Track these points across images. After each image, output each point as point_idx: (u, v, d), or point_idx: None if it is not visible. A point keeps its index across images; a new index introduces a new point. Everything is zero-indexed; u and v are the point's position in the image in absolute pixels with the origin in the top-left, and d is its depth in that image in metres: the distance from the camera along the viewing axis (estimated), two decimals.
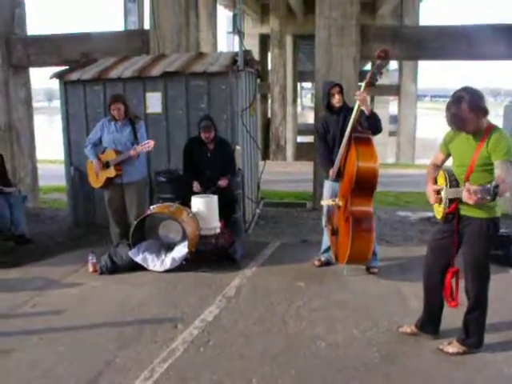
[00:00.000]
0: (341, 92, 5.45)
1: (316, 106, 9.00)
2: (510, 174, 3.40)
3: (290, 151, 28.28)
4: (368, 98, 5.08)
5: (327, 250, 5.82)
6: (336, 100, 5.43)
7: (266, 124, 28.23)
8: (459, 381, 3.51)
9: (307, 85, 67.82)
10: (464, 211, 3.68)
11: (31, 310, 4.77)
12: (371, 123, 5.16)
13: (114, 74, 7.29)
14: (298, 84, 41.28)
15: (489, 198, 3.12)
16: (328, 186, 5.69)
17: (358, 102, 4.96)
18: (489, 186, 3.12)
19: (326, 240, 5.81)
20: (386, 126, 32.18)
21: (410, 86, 28.70)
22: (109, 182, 6.12)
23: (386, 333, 4.21)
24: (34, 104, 10.40)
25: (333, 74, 8.57)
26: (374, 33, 9.07)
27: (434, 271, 3.95)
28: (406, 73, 28.54)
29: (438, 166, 3.93)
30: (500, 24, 9.05)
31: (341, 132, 5.33)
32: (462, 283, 3.80)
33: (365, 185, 4.99)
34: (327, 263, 5.86)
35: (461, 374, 3.59)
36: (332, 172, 5.38)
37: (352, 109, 5.12)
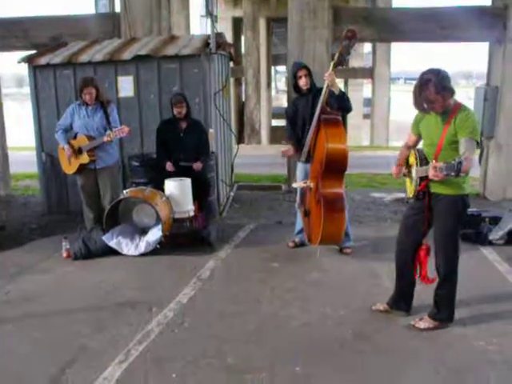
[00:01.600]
0: (308, 74, 5.44)
1: (289, 90, 9.00)
2: (473, 153, 3.49)
3: (264, 135, 28.23)
4: (335, 79, 5.10)
5: (301, 231, 5.87)
6: (303, 82, 5.44)
7: (241, 108, 28.14)
8: (431, 355, 3.59)
9: (281, 68, 67.51)
10: (434, 188, 3.76)
11: (5, 297, 4.72)
12: (340, 103, 5.20)
13: (84, 57, 7.17)
14: (272, 68, 41.12)
15: (453, 174, 3.19)
16: (300, 168, 5.72)
17: (326, 82, 4.99)
18: (453, 162, 3.19)
19: (300, 221, 5.85)
20: (360, 108, 32.39)
21: (383, 69, 28.81)
22: (82, 167, 6.05)
23: (359, 311, 4.28)
24: (4, 90, 10.15)
25: (305, 56, 8.56)
26: (346, 14, 9.06)
27: (405, 248, 4.02)
28: (380, 55, 28.62)
29: (410, 147, 3.99)
30: (472, 6, 9.13)
31: (310, 113, 5.34)
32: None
33: (334, 166, 5.03)
34: (301, 244, 5.91)
35: (432, 348, 3.67)
36: (303, 154, 5.40)
37: (321, 90, 5.15)
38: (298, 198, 5.84)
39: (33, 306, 4.49)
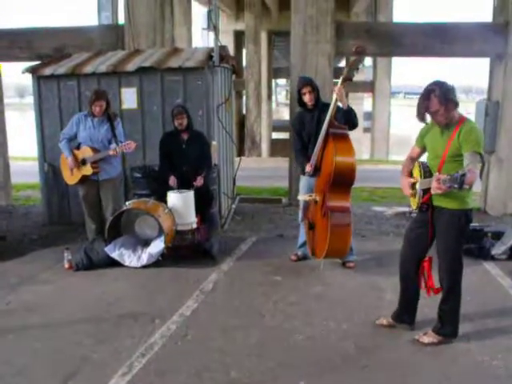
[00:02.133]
0: (313, 91, 5.45)
1: (291, 103, 9.05)
2: (477, 166, 3.50)
3: (264, 148, 28.32)
4: (344, 94, 5.15)
5: (303, 244, 5.86)
6: (307, 99, 5.46)
7: (241, 121, 28.21)
8: (435, 370, 3.57)
9: (282, 81, 67.92)
10: (437, 202, 3.76)
11: (5, 307, 4.70)
12: (347, 118, 5.22)
13: (88, 69, 7.20)
14: (273, 80, 41.30)
15: (456, 186, 3.18)
16: (304, 181, 5.72)
17: (335, 96, 5.01)
18: (456, 174, 3.19)
19: (303, 235, 5.84)
20: (360, 122, 32.37)
21: (384, 83, 28.98)
22: (84, 178, 6.05)
23: (362, 325, 4.26)
24: (5, 100, 10.18)
25: (308, 70, 8.62)
26: (348, 29, 9.14)
27: (409, 261, 4.02)
28: (380, 69, 28.79)
29: (413, 159, 4.00)
30: (474, 22, 9.22)
31: (316, 129, 5.37)
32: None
33: (343, 179, 5.04)
34: (304, 258, 5.90)
35: (436, 363, 3.65)
36: (310, 167, 5.40)
37: (328, 105, 5.17)
38: (300, 212, 5.84)
39: (34, 317, 4.46)
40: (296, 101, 5.67)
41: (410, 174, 3.92)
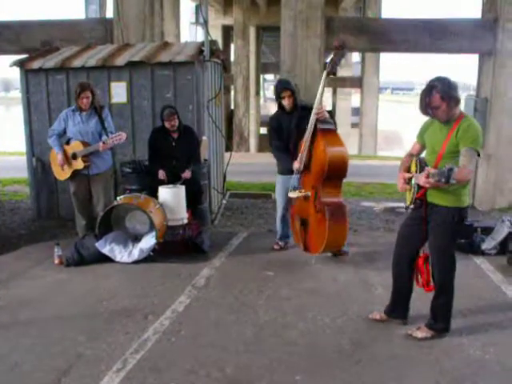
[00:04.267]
0: (292, 95, 5.60)
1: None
2: (472, 162, 3.50)
3: (253, 143, 28.25)
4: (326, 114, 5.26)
5: (285, 236, 6.12)
6: (286, 103, 5.62)
7: (229, 116, 28.13)
8: (428, 364, 3.59)
9: (270, 77, 67.82)
10: (431, 198, 3.77)
11: None
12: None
13: (77, 62, 7.12)
14: (261, 76, 41.23)
15: (443, 180, 3.19)
16: (281, 180, 5.83)
17: (315, 118, 5.13)
18: (444, 169, 3.20)
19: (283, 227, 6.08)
20: (348, 117, 32.60)
21: (372, 79, 29.01)
22: (75, 173, 6.00)
23: (356, 320, 4.27)
24: None
25: (298, 65, 8.62)
26: (338, 24, 9.13)
27: (402, 257, 4.04)
28: (369, 65, 28.83)
29: (413, 156, 4.00)
30: (463, 18, 9.27)
31: (295, 129, 5.53)
32: None
33: (337, 172, 5.11)
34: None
35: (430, 358, 3.67)
36: (298, 163, 5.40)
37: (306, 108, 5.37)
38: (280, 209, 6.01)
39: (25, 313, 4.41)
40: (276, 104, 5.79)
41: (409, 170, 3.93)
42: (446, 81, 3.60)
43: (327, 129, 5.19)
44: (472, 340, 3.90)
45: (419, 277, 3.97)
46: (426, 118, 3.88)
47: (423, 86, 3.75)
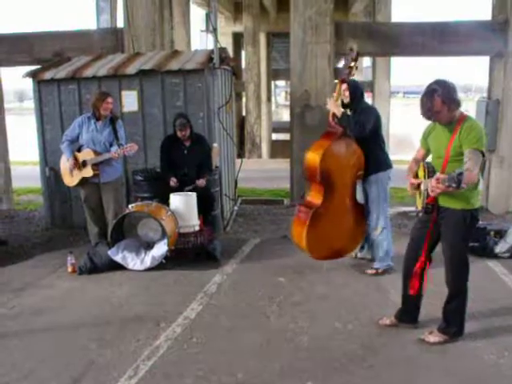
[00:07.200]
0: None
1: (291, 104, 9.03)
2: (477, 163, 3.47)
3: (265, 149, 28.28)
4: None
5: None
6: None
7: (241, 122, 28.20)
8: (441, 369, 3.56)
9: (281, 83, 67.90)
10: (442, 202, 3.74)
11: (9, 312, 4.69)
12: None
13: (89, 72, 7.20)
14: (272, 82, 41.30)
15: (454, 185, 3.17)
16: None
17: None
18: (453, 173, 3.18)
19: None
20: None
21: (383, 83, 28.83)
22: (84, 180, 6.05)
23: (367, 325, 4.25)
24: (5, 105, 10.16)
25: (307, 71, 8.64)
26: (347, 29, 9.15)
27: (411, 260, 4.00)
28: (380, 69, 28.68)
29: (418, 161, 3.98)
30: (473, 20, 9.22)
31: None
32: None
33: (308, 174, 5.25)
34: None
35: (443, 362, 3.65)
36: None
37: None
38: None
39: (38, 321, 4.45)
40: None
41: (416, 176, 3.91)
42: (445, 84, 3.59)
43: (327, 131, 5.31)
44: (486, 344, 3.86)
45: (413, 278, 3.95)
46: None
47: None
